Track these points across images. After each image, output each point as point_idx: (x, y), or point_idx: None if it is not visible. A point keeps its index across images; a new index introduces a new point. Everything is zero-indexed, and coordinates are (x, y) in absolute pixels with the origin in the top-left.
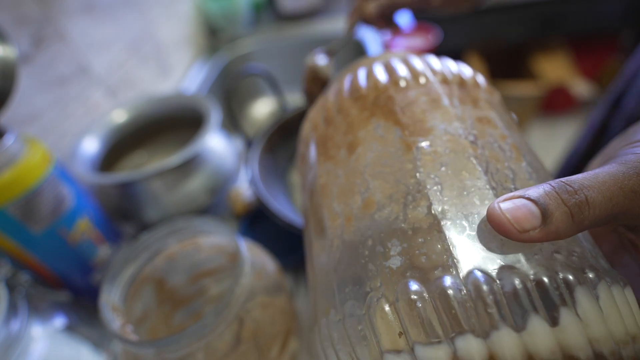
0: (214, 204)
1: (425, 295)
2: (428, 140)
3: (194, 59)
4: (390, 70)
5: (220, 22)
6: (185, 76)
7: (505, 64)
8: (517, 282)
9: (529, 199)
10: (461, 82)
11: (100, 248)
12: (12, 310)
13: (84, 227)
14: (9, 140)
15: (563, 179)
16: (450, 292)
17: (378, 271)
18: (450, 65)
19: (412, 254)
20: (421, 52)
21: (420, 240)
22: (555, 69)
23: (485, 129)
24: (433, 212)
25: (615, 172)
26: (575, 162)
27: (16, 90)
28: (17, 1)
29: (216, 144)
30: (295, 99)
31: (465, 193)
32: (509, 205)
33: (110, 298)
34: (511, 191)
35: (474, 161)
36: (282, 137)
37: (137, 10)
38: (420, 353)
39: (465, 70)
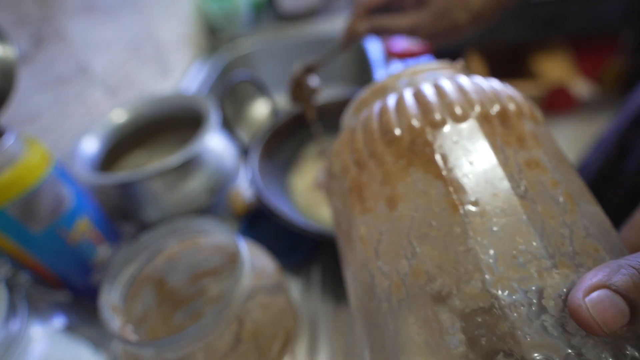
0: (214, 204)
1: None
2: (474, 198)
3: (194, 59)
4: (422, 102)
5: (220, 22)
6: (185, 76)
7: (505, 64)
8: None
9: (616, 292)
10: (503, 114)
11: (100, 248)
12: (12, 310)
13: (84, 227)
14: (9, 140)
15: None
16: None
17: (436, 349)
18: (485, 87)
19: (471, 334)
20: (420, 54)
21: (478, 319)
22: (555, 69)
23: (535, 177)
24: (489, 288)
25: None
26: (587, 181)
27: (16, 90)
28: (17, 1)
29: (216, 144)
30: None
31: (521, 261)
32: (594, 300)
33: (110, 298)
34: (569, 255)
35: (528, 222)
36: (278, 142)
37: (137, 10)
38: None
39: (501, 92)
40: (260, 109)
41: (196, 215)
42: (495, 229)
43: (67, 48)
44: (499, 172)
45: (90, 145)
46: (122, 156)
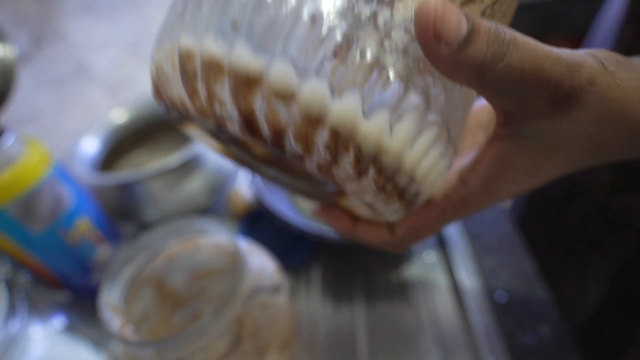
0: (214, 204)
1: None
2: None
3: None
4: None
5: None
6: None
7: None
8: None
9: (465, 15)
10: None
11: (100, 248)
12: (12, 310)
13: (84, 227)
14: (9, 140)
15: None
16: None
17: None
18: None
19: None
20: None
21: None
22: None
23: None
24: None
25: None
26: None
27: (16, 90)
28: (16, 1)
29: None
30: None
31: None
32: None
33: (110, 298)
34: None
35: None
36: None
37: (136, 10)
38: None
39: None
40: None
41: (196, 215)
42: None
43: (67, 48)
44: None
45: (90, 145)
46: (122, 156)
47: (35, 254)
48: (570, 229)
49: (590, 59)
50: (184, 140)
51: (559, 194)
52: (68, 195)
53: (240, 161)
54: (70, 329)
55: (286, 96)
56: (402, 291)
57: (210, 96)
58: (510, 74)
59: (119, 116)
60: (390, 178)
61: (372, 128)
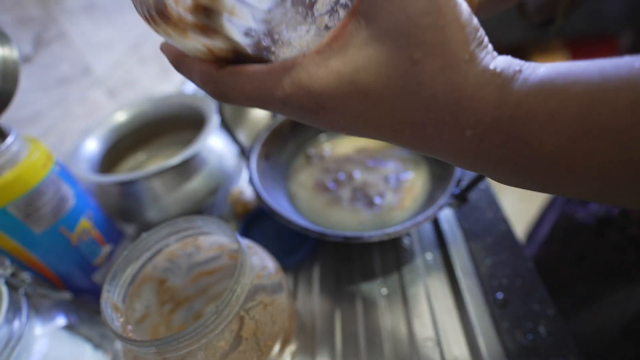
0: (214, 204)
1: None
2: None
3: None
4: None
5: None
6: None
7: None
8: None
9: None
10: None
11: (101, 248)
12: (13, 309)
13: (85, 227)
14: (10, 140)
15: None
16: None
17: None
18: None
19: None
20: None
21: None
22: None
23: None
24: None
25: None
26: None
27: (17, 90)
28: (18, 2)
29: (216, 143)
30: None
31: None
32: None
33: (111, 297)
34: None
35: None
36: (278, 142)
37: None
38: None
39: None
40: (261, 109)
41: (196, 215)
42: None
43: (69, 49)
44: None
45: (91, 146)
46: (122, 156)
47: (37, 254)
48: (599, 257)
49: None
50: (184, 140)
51: (591, 223)
52: (69, 196)
53: None
54: (71, 328)
55: None
56: (402, 291)
57: None
58: None
59: (120, 116)
60: None
61: None
